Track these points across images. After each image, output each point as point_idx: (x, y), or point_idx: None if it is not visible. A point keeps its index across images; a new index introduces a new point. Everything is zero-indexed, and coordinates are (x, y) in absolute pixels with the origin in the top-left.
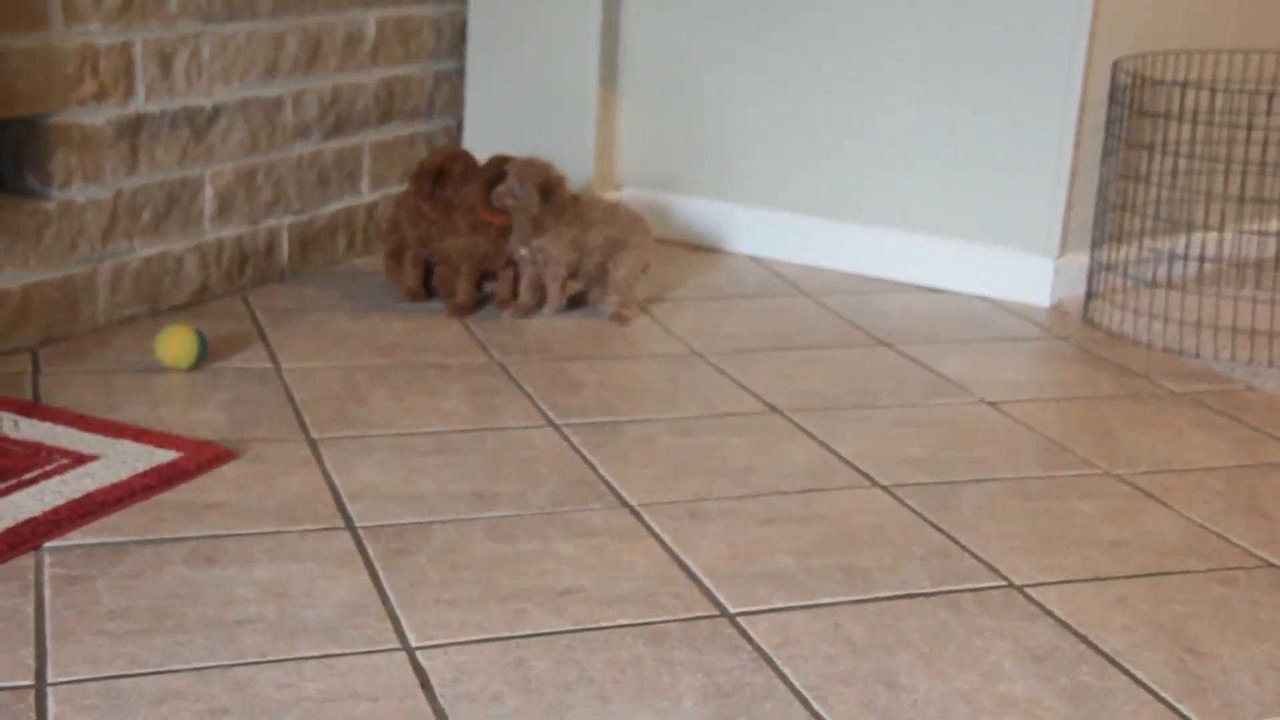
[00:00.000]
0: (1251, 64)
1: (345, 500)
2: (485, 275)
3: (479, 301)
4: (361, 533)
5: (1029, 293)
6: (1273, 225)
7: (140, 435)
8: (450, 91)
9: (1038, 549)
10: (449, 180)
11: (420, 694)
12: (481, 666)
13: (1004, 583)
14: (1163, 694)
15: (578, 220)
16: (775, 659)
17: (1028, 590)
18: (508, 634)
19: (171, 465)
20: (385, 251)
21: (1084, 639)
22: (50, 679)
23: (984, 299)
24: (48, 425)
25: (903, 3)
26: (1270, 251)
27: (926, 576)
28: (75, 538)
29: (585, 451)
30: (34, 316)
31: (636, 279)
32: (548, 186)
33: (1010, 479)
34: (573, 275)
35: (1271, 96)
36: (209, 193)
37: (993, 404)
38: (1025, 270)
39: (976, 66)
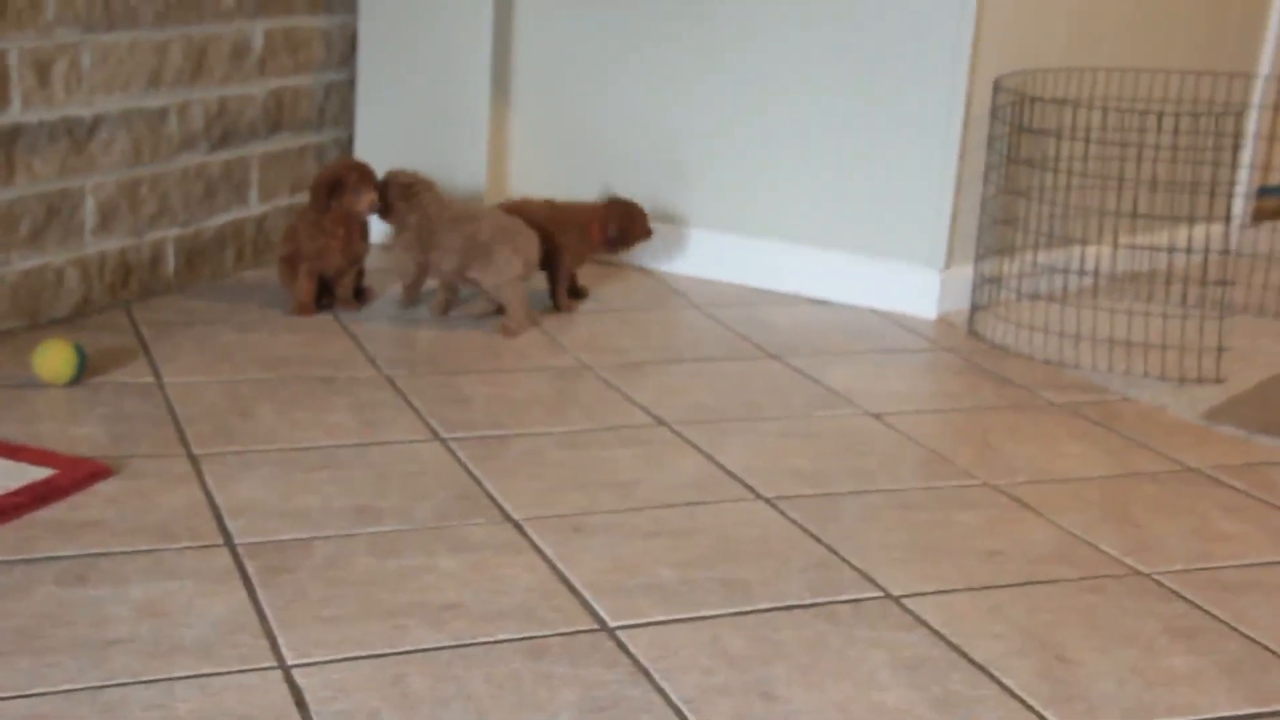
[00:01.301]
0: (1128, 82)
1: (225, 517)
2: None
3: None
4: (241, 550)
5: (916, 305)
6: (1151, 240)
7: (14, 452)
8: (340, 103)
9: (916, 559)
10: (345, 191)
11: (295, 713)
12: (358, 684)
13: (881, 593)
14: (1030, 701)
15: (426, 222)
16: (653, 672)
17: (904, 600)
18: (386, 650)
19: (45, 483)
20: (280, 256)
21: (956, 648)
22: None
23: (872, 311)
24: None
25: (788, 17)
26: (1147, 265)
27: (806, 588)
28: None
29: (471, 465)
30: None
31: (513, 288)
32: (384, 190)
33: (891, 490)
34: (424, 275)
35: (1145, 114)
36: (90, 205)
37: (877, 415)
38: (912, 283)
39: (863, 80)
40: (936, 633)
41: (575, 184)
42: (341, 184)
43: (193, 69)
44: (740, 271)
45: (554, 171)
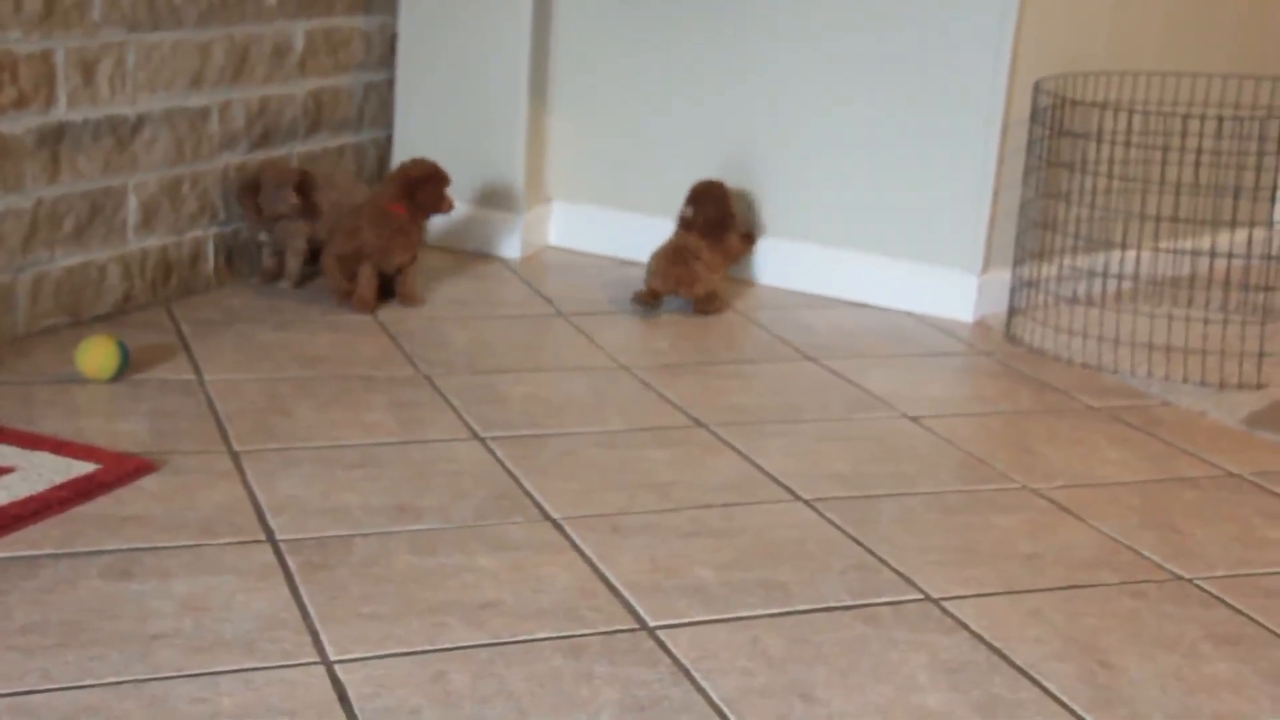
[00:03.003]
0: (1169, 86)
1: (267, 513)
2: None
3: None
4: (282, 546)
5: (953, 308)
6: (1190, 244)
7: (59, 447)
8: (380, 103)
9: (955, 562)
10: (430, 189)
11: (338, 708)
12: (400, 680)
13: (921, 596)
14: (1072, 705)
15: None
16: (694, 672)
17: (944, 603)
18: (427, 647)
19: (90, 478)
20: (335, 253)
21: (997, 651)
22: None
23: (909, 314)
24: None
25: (830, 21)
26: (1187, 270)
27: (845, 590)
28: None
29: (509, 465)
30: None
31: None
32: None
33: (930, 493)
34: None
35: (1187, 118)
36: (133, 203)
37: (915, 419)
38: (950, 286)
39: (901, 84)
40: (977, 635)
41: (614, 185)
42: (430, 182)
43: (234, 69)
44: (778, 275)
45: (593, 172)
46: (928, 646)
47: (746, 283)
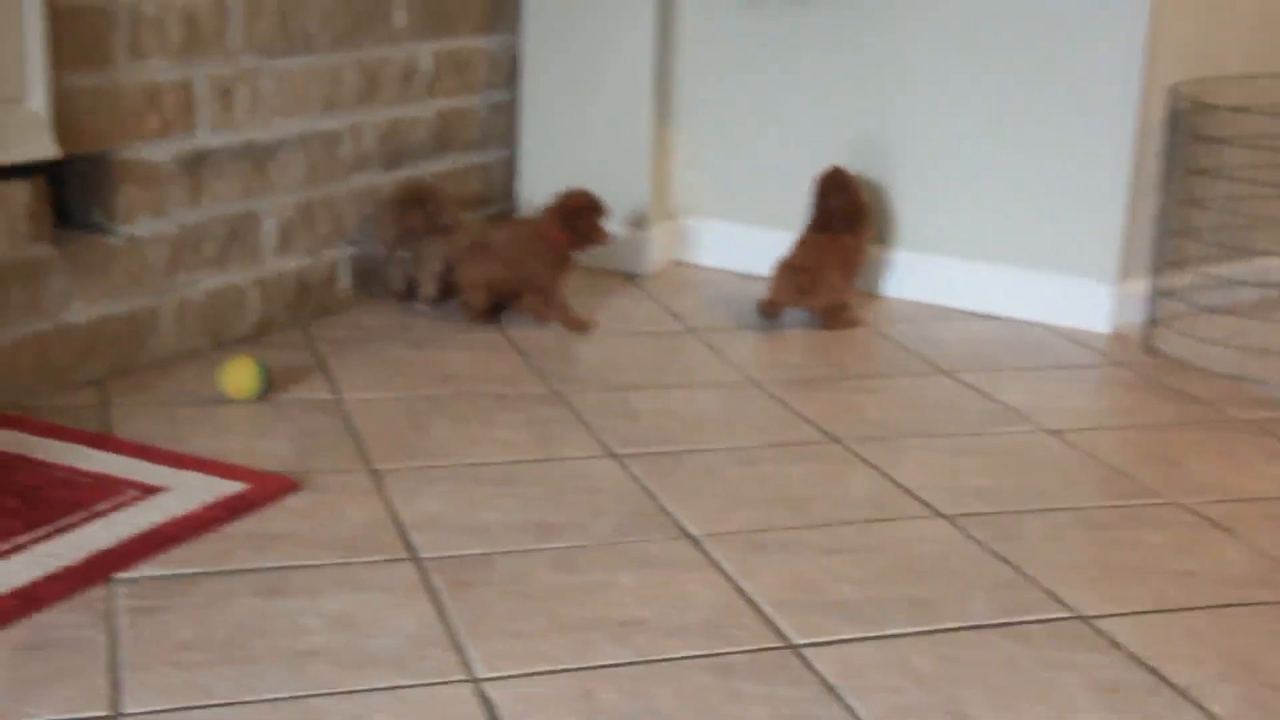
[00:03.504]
0: None
1: (409, 531)
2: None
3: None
4: (426, 564)
5: (1088, 319)
6: None
7: (206, 467)
8: (505, 123)
9: (1105, 579)
10: (590, 218)
11: None
12: (549, 698)
13: (1072, 614)
14: None
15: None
16: (841, 691)
17: (1096, 622)
18: (574, 665)
19: (239, 497)
20: (484, 279)
21: (1155, 672)
22: (125, 709)
23: (1043, 326)
24: (117, 457)
25: (961, 30)
26: None
27: (993, 607)
28: (146, 569)
29: (645, 481)
30: (102, 349)
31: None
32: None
33: (1074, 509)
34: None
35: None
36: (270, 225)
37: (1054, 432)
38: (1084, 296)
39: (1034, 92)
40: (1132, 655)
41: (740, 199)
42: (591, 212)
43: (365, 91)
44: (906, 287)
45: (719, 187)
46: (1081, 666)
47: (873, 296)
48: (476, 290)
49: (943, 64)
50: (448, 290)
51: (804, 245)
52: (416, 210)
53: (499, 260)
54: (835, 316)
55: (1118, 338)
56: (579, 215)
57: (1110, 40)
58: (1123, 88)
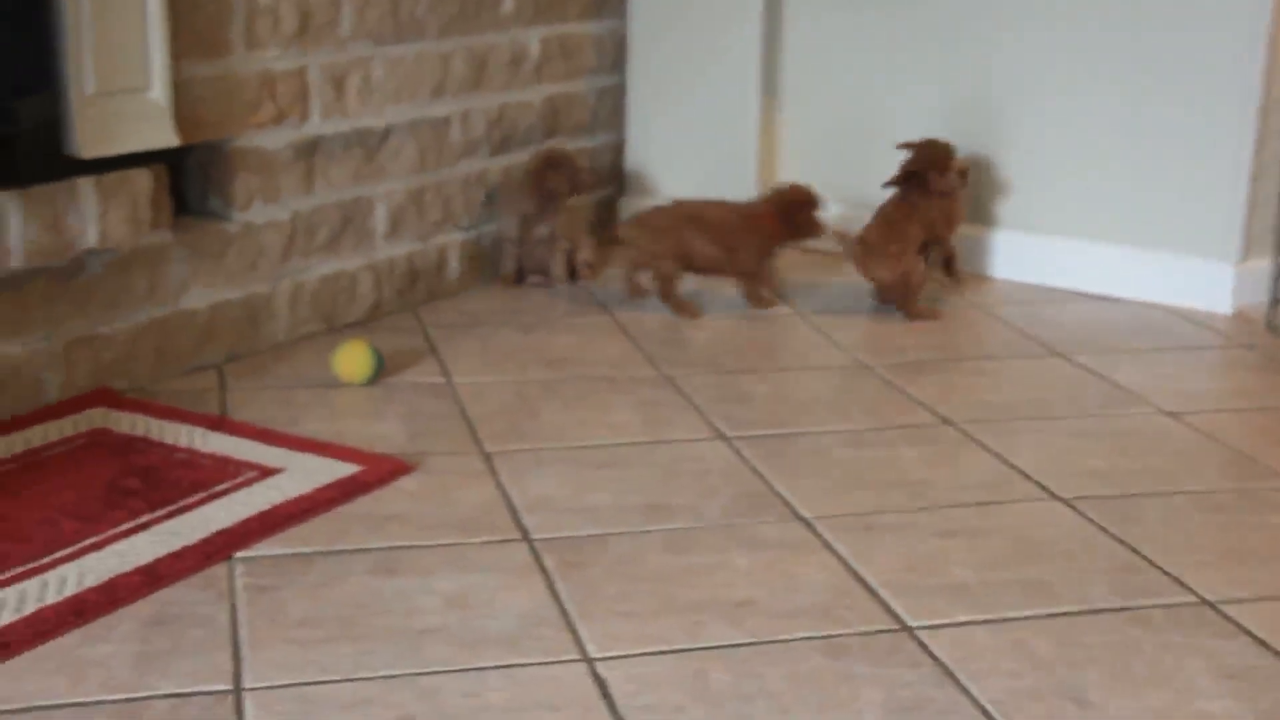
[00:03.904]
0: None
1: (520, 513)
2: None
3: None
4: (537, 545)
5: (1209, 300)
6: None
7: (322, 449)
8: (612, 107)
9: (1229, 564)
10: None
11: (602, 705)
12: (661, 678)
13: (1195, 598)
14: None
15: None
16: (958, 674)
17: (1220, 606)
18: (686, 646)
19: (353, 478)
20: (672, 259)
21: None
22: (246, 684)
23: (1162, 307)
24: (234, 439)
25: (1075, 9)
26: None
27: (1112, 591)
28: (264, 548)
29: (756, 464)
30: (219, 334)
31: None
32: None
33: (1195, 491)
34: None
35: None
36: (381, 211)
37: (1173, 414)
38: (1205, 277)
39: (1151, 66)
40: (1260, 641)
41: (847, 181)
42: (809, 206)
43: (474, 78)
44: (1023, 269)
45: (826, 169)
46: (1205, 651)
47: (984, 278)
48: (665, 261)
49: (1053, 37)
50: (573, 272)
51: (876, 215)
52: (559, 173)
53: (709, 237)
54: (900, 297)
55: (1240, 318)
56: (799, 209)
57: (1234, 14)
58: (1246, 62)
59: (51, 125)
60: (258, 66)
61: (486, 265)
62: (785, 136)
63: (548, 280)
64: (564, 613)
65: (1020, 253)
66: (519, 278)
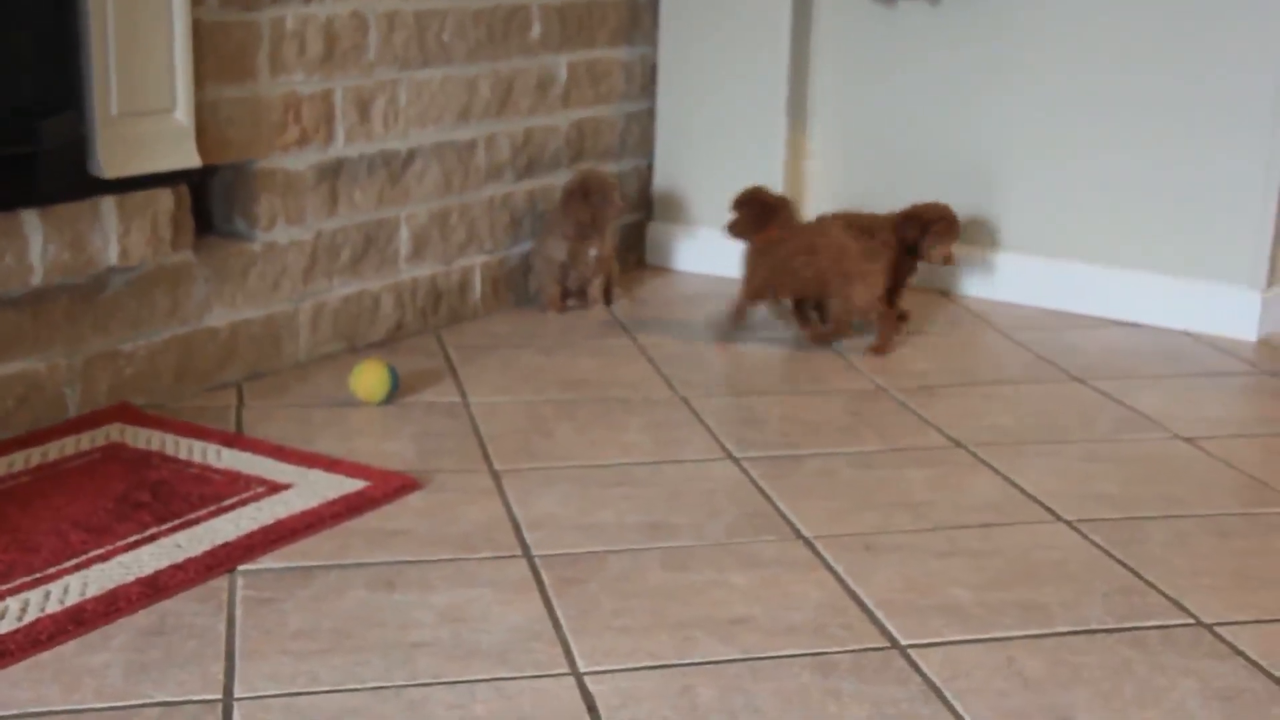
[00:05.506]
0: None
1: (524, 529)
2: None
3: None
4: (538, 561)
5: (1234, 327)
6: None
7: (332, 465)
8: (640, 132)
9: (1231, 587)
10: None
11: (587, 718)
12: (648, 693)
13: (1192, 621)
14: None
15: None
16: (945, 691)
17: (1217, 629)
18: (676, 661)
19: (359, 494)
20: (796, 277)
21: (1277, 680)
22: (236, 694)
23: (1185, 333)
24: (247, 455)
25: (1101, 33)
26: None
27: (1108, 612)
28: (267, 561)
29: (763, 484)
30: (240, 353)
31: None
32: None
33: (1204, 515)
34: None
35: None
36: (404, 233)
37: (1190, 440)
38: (1230, 303)
39: (1177, 95)
40: (1254, 663)
41: (874, 206)
42: (944, 224)
43: (500, 102)
44: (1045, 294)
45: (851, 196)
46: (1198, 673)
47: (1006, 304)
48: (783, 292)
49: (1080, 65)
50: (608, 295)
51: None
52: (604, 196)
53: (856, 276)
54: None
55: (1266, 345)
56: (928, 228)
57: (1257, 41)
58: (1271, 91)
59: (75, 145)
60: (283, 90)
61: (512, 288)
62: (813, 161)
63: (585, 302)
64: (557, 627)
65: (1046, 279)
66: (566, 297)
